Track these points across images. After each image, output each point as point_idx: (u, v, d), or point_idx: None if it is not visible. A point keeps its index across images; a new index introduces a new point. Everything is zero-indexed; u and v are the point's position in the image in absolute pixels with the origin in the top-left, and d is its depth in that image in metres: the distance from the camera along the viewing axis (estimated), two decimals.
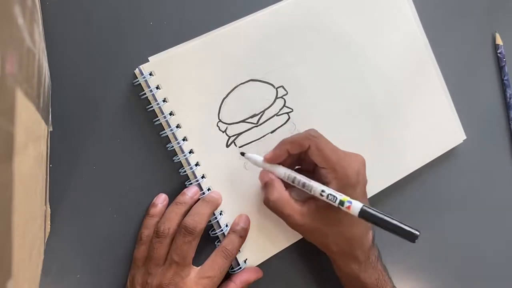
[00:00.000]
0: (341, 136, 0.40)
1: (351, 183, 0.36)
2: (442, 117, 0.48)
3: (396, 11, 0.46)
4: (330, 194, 0.35)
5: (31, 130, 0.25)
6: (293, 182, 0.37)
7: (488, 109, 0.51)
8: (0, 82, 0.18)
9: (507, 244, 0.51)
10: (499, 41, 0.51)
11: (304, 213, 0.37)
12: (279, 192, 0.37)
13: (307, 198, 0.38)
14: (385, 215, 0.34)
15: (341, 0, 0.44)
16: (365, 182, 0.38)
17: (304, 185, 0.37)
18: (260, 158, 0.39)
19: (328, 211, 0.36)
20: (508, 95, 0.51)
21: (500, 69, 0.52)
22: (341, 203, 0.35)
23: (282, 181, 0.38)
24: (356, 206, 0.34)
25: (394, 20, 0.46)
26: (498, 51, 0.51)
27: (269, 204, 0.38)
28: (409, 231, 0.33)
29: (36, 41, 0.28)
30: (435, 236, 0.48)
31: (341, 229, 0.37)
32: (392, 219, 0.34)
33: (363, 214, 0.34)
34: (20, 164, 0.21)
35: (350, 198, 0.35)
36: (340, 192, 0.36)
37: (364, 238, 0.38)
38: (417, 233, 0.33)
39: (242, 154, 0.40)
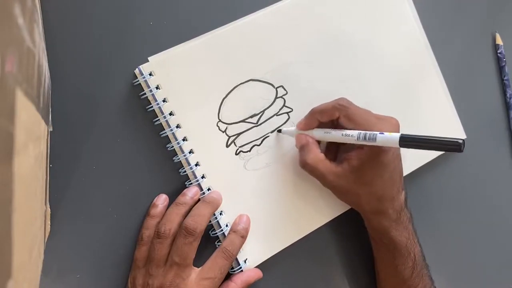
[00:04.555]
0: None
1: (384, 148, 0.37)
2: (442, 117, 0.48)
3: (396, 11, 0.46)
4: (367, 134, 0.35)
5: (31, 130, 0.25)
6: (331, 137, 0.38)
7: (488, 109, 0.51)
8: (0, 82, 0.18)
9: (507, 243, 0.51)
10: (499, 41, 0.51)
11: (338, 174, 0.38)
12: (315, 153, 0.38)
13: (342, 160, 0.38)
14: (424, 136, 0.33)
15: (341, 0, 0.44)
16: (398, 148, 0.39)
17: (342, 134, 0.37)
18: (294, 128, 0.41)
19: (362, 172, 0.37)
20: (508, 95, 0.51)
21: (500, 69, 0.52)
22: (380, 137, 0.35)
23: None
24: (394, 136, 0.34)
25: (394, 20, 0.46)
26: (498, 51, 0.51)
27: (306, 166, 0.39)
28: (452, 141, 0.32)
29: (36, 41, 0.28)
30: (434, 236, 0.48)
31: (373, 189, 0.38)
32: (432, 137, 0.33)
33: (403, 140, 0.33)
34: (20, 164, 0.21)
35: (383, 161, 0.36)
36: (373, 157, 0.36)
37: (395, 198, 0.39)
38: (460, 140, 0.31)
39: (279, 131, 0.42)
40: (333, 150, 0.41)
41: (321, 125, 0.40)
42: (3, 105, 0.18)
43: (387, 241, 0.40)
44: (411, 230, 0.41)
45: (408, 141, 0.33)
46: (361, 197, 0.38)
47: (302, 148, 0.40)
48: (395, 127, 0.38)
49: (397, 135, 0.34)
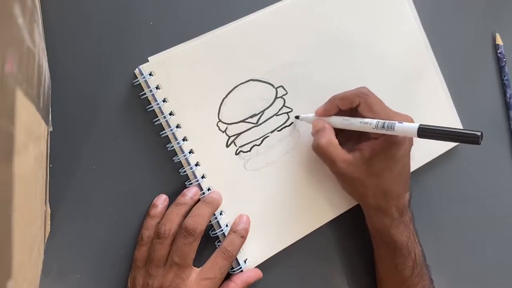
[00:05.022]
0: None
1: (398, 141, 0.37)
2: (442, 117, 0.48)
3: (396, 11, 0.46)
4: (386, 122, 0.35)
5: (31, 130, 0.25)
6: (349, 124, 0.38)
7: (488, 109, 0.51)
8: (0, 82, 0.18)
9: (507, 243, 0.51)
10: (499, 41, 0.51)
11: (348, 161, 0.38)
12: (329, 137, 0.38)
13: (354, 149, 0.38)
14: (442, 127, 0.33)
15: (341, 0, 0.44)
16: (411, 144, 0.39)
17: (360, 122, 0.37)
18: (312, 115, 0.41)
19: (373, 162, 0.37)
20: (508, 95, 0.51)
21: (500, 69, 0.52)
22: (398, 126, 0.35)
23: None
24: (413, 126, 0.34)
25: (394, 20, 0.46)
26: (498, 51, 0.51)
27: (318, 148, 0.39)
28: (470, 133, 0.32)
29: (36, 41, 0.28)
30: (434, 236, 0.48)
31: (381, 182, 0.38)
32: (450, 128, 0.33)
33: (421, 131, 0.34)
34: (20, 164, 0.21)
35: (395, 155, 0.37)
36: (386, 149, 0.37)
37: (401, 196, 0.39)
38: (479, 133, 0.31)
39: (297, 117, 0.42)
40: (342, 140, 0.41)
41: (340, 113, 0.40)
42: (3, 105, 0.18)
43: (388, 240, 0.40)
44: (412, 230, 0.41)
45: (426, 132, 0.33)
46: (368, 188, 0.38)
47: (318, 131, 0.39)
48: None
49: (415, 125, 0.34)
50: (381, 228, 0.40)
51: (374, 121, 0.36)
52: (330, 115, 0.40)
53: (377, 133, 0.37)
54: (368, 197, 0.39)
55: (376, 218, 0.40)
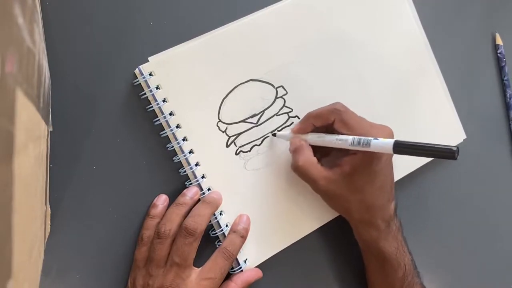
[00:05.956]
0: None
1: (377, 155, 0.36)
2: (442, 116, 0.48)
3: (396, 11, 0.46)
4: (362, 139, 0.35)
5: (31, 130, 0.25)
6: (325, 141, 0.38)
7: (488, 109, 0.51)
8: (0, 82, 0.18)
9: (507, 244, 0.51)
10: (499, 41, 0.51)
11: (329, 179, 0.37)
12: (307, 157, 0.38)
13: (334, 165, 0.38)
14: (418, 143, 0.33)
15: (341, 0, 0.44)
16: (392, 154, 0.38)
17: (336, 139, 0.37)
18: (289, 132, 0.41)
19: (353, 178, 0.37)
20: (508, 95, 0.51)
21: (500, 69, 0.52)
22: (374, 143, 0.35)
23: (313, 149, 0.39)
24: (388, 142, 0.34)
25: (394, 20, 0.46)
26: (498, 51, 0.51)
27: (297, 168, 0.38)
28: (446, 148, 0.32)
29: (36, 41, 0.28)
30: (434, 236, 0.48)
31: (364, 197, 0.37)
32: (426, 144, 0.33)
33: (397, 146, 0.33)
34: (20, 164, 0.21)
35: (376, 168, 0.36)
36: (366, 163, 0.36)
37: (385, 207, 0.39)
38: (455, 148, 0.31)
39: (274, 135, 0.42)
40: (321, 156, 0.41)
41: (316, 130, 0.40)
42: (3, 105, 0.18)
43: (376, 252, 0.40)
44: (400, 239, 0.40)
45: (402, 148, 0.33)
46: (351, 204, 0.38)
47: (295, 151, 0.39)
48: (389, 136, 0.38)
49: (391, 141, 0.34)
50: (369, 240, 0.39)
51: (350, 137, 0.36)
52: (306, 133, 0.40)
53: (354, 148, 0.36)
54: (352, 211, 0.39)
55: (363, 231, 0.39)
